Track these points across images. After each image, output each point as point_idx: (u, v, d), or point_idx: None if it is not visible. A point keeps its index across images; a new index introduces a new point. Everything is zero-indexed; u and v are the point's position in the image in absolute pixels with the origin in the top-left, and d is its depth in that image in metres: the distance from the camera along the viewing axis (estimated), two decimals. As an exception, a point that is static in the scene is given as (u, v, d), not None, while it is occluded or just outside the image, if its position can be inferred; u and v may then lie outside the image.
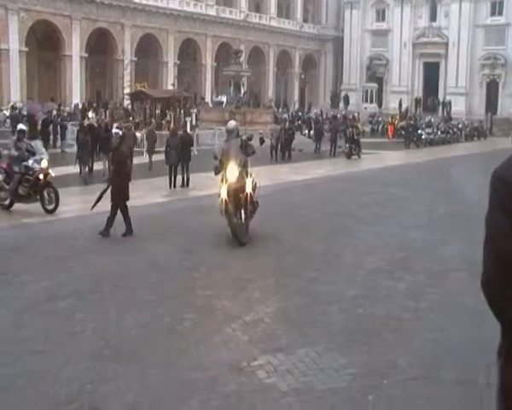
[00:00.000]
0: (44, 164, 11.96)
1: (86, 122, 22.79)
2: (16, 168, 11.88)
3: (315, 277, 7.85)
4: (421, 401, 4.49)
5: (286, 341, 5.59)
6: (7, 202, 12.05)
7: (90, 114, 27.58)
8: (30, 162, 11.86)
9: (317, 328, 5.96)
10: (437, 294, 7.21)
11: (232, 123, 10.81)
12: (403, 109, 52.16)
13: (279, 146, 26.33)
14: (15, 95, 41.02)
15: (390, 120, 43.62)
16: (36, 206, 11.91)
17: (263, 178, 18.70)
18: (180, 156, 16.34)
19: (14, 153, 12.01)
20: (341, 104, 56.68)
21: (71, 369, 4.90)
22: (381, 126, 43.73)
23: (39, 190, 11.82)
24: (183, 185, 16.46)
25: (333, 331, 5.90)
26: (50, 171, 12.18)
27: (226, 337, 5.69)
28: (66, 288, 7.09)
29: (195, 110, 33.88)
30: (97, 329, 5.84)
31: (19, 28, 41.08)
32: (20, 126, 13.21)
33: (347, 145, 26.94)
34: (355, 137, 27.17)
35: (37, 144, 12.88)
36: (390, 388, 4.68)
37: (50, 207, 11.83)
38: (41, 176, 11.79)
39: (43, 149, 12.84)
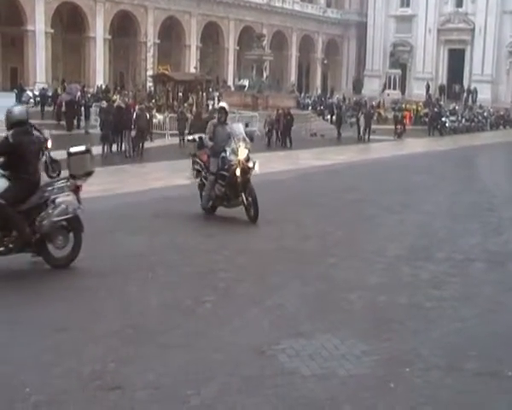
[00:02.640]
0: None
1: (116, 104, 23.09)
2: None
3: (336, 263, 7.82)
4: (445, 391, 4.45)
5: (307, 326, 5.58)
6: None
7: (115, 97, 27.68)
8: None
9: (339, 314, 5.94)
10: (460, 283, 7.13)
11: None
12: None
13: (277, 132, 25.31)
14: (41, 76, 41.40)
15: (415, 107, 43.13)
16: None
17: (283, 163, 18.78)
18: None
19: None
20: (363, 90, 56.13)
21: (94, 347, 4.95)
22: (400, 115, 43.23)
23: None
24: None
25: (354, 318, 5.87)
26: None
27: (247, 321, 5.70)
28: (90, 266, 7.15)
29: (217, 93, 33.75)
30: (120, 308, 5.89)
31: (45, 10, 41.32)
32: None
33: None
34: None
35: None
36: (412, 376, 4.64)
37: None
38: None
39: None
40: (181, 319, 5.71)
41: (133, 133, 19.66)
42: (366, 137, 29.26)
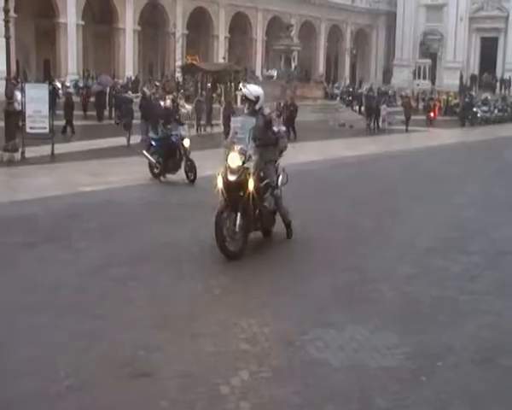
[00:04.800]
0: None
1: (147, 93, 23.44)
2: None
3: (365, 253, 7.73)
4: (478, 386, 4.36)
5: (337, 317, 5.53)
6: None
7: (145, 88, 27.89)
8: None
9: (369, 305, 5.87)
10: (493, 276, 6.98)
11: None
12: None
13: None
14: (72, 67, 41.90)
15: (445, 97, 42.44)
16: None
17: (313, 152, 18.66)
18: None
19: None
20: (393, 80, 55.39)
21: (125, 334, 4.99)
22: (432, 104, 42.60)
23: None
24: None
25: (385, 310, 5.79)
26: None
27: (276, 311, 5.67)
28: (120, 256, 7.21)
29: (246, 84, 33.70)
30: (150, 297, 5.93)
31: (76, 2, 41.76)
32: None
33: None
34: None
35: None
36: (444, 370, 4.56)
37: None
38: None
39: None
40: (209, 308, 5.71)
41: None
42: (405, 127, 29.20)
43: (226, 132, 16.46)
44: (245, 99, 7.70)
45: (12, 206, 9.97)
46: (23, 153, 15.17)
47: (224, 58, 46.89)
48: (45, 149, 15.66)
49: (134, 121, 20.10)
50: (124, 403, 4.01)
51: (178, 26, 46.87)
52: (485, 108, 36.88)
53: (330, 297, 6.10)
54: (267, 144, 7.52)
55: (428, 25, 58.89)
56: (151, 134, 14.03)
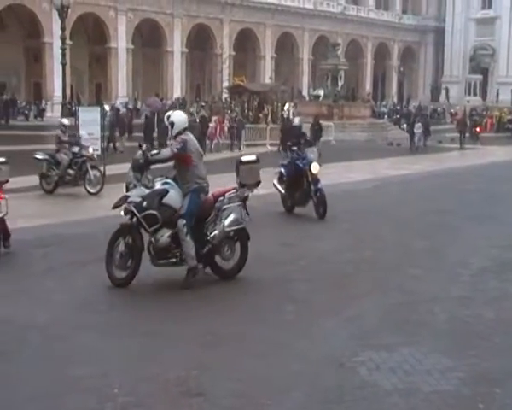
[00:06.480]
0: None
1: (200, 114, 24.27)
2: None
3: (416, 274, 7.60)
4: (539, 413, 4.20)
5: (388, 338, 5.44)
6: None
7: (192, 109, 28.44)
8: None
9: (421, 327, 5.75)
10: (551, 299, 6.74)
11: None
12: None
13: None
14: (122, 90, 43.17)
15: (498, 113, 41.51)
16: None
17: (361, 171, 18.52)
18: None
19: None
20: (441, 97, 54.55)
21: (177, 352, 5.06)
22: (484, 120, 41.70)
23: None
24: None
25: (438, 332, 5.66)
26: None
27: (326, 331, 5.64)
28: (167, 273, 7.30)
29: (292, 104, 33.84)
30: (200, 315, 5.99)
31: (126, 28, 43.20)
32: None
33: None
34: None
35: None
36: (504, 397, 4.39)
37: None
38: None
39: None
40: (260, 328, 5.72)
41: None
42: (460, 145, 29.04)
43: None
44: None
45: (68, 225, 10.25)
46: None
47: (271, 78, 47.27)
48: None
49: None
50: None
51: (225, 47, 47.67)
52: (540, 124, 35.88)
53: (381, 318, 6.01)
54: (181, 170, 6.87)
55: (478, 39, 57.87)
56: (283, 161, 11.92)
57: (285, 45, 53.38)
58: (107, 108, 35.48)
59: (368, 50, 60.08)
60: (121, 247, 6.67)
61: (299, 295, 6.66)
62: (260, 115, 30.19)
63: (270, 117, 29.15)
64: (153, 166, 6.95)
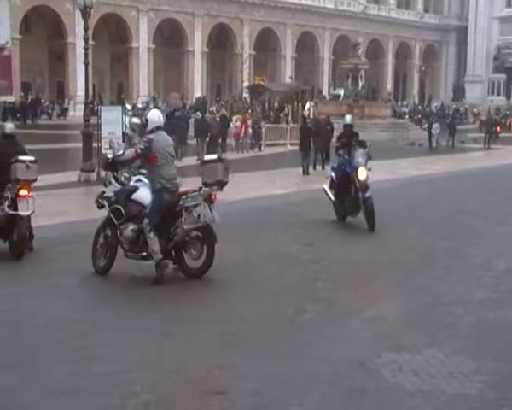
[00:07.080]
0: None
1: (220, 113, 25.20)
2: None
3: (439, 275, 7.52)
4: None
5: (411, 340, 5.39)
6: None
7: (211, 108, 28.56)
8: None
9: (444, 329, 5.69)
10: None
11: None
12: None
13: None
14: (144, 90, 43.54)
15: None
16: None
17: (383, 171, 18.37)
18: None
19: None
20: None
21: (197, 352, 5.06)
22: (508, 120, 41.13)
23: None
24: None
25: (461, 334, 5.60)
26: None
27: (348, 332, 5.61)
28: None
29: (312, 103, 33.71)
30: (221, 315, 6.00)
31: (147, 28, 43.54)
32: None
33: None
34: None
35: None
36: (529, 401, 4.34)
37: None
38: None
39: None
40: (281, 327, 5.71)
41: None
42: (487, 145, 29.13)
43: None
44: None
45: (89, 223, 10.34)
46: (99, 173, 15.75)
47: (291, 78, 47.20)
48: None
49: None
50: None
51: (246, 46, 47.75)
52: None
53: (404, 319, 5.97)
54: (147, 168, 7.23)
55: (503, 38, 57.07)
56: (333, 164, 11.23)
57: (305, 45, 53.26)
58: (128, 106, 35.89)
59: (389, 50, 59.65)
60: (101, 239, 7.26)
61: (322, 295, 6.63)
62: (281, 115, 30.14)
63: (290, 117, 29.07)
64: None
